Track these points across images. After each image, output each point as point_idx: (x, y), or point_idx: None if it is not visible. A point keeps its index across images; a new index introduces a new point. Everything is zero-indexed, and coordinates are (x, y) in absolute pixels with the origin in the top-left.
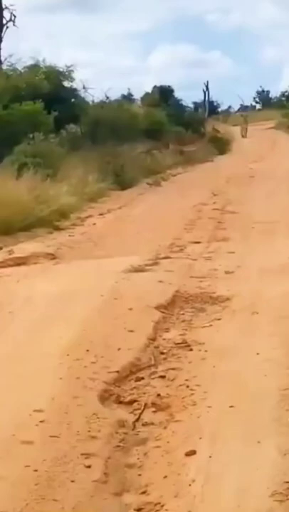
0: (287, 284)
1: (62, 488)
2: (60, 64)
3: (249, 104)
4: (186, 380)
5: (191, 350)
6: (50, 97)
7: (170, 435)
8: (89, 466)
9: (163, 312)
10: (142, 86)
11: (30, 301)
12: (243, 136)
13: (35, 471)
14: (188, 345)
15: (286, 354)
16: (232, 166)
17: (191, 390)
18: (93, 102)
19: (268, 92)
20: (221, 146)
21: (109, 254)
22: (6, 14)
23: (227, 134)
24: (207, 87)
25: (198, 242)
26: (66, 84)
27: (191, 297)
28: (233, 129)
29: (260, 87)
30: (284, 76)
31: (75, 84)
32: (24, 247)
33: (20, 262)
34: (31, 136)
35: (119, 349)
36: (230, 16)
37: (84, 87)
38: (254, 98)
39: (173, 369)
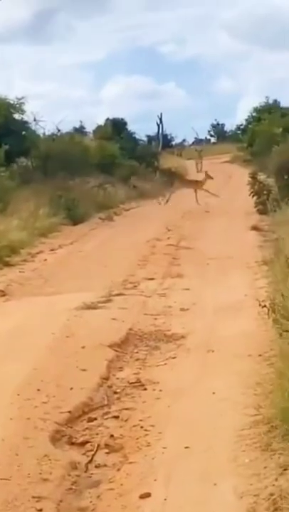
0: (243, 321)
1: None
2: (11, 96)
3: (204, 138)
4: (140, 420)
5: (145, 389)
6: (0, 130)
7: (124, 477)
8: (40, 510)
9: (116, 350)
10: (94, 118)
11: None
12: (198, 171)
13: None
14: (143, 385)
15: (242, 393)
16: (187, 200)
17: (146, 430)
18: (44, 134)
19: (223, 125)
20: (175, 180)
21: (61, 291)
22: None
23: (181, 168)
24: (161, 119)
25: (153, 279)
26: (17, 116)
27: (146, 335)
28: (188, 162)
29: (215, 120)
30: (239, 109)
31: (25, 117)
32: None
33: None
34: None
35: (71, 388)
36: (185, 46)
37: (35, 120)
38: (209, 131)
39: (127, 409)
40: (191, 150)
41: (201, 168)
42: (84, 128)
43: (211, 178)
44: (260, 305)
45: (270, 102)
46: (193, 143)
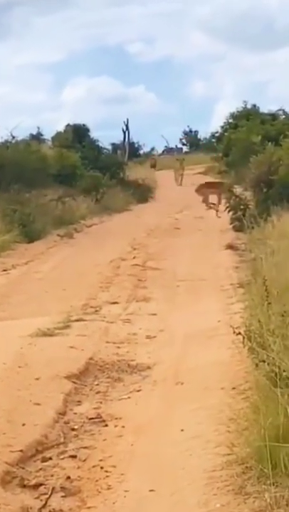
0: (215, 350)
1: None
2: None
3: (174, 146)
4: (100, 460)
5: (106, 425)
6: None
7: None
8: None
9: (75, 382)
10: (53, 124)
11: None
12: (179, 184)
13: None
14: (103, 421)
15: (214, 430)
16: (155, 216)
17: (106, 471)
18: None
19: (196, 132)
20: (142, 193)
21: (14, 316)
22: None
23: (150, 180)
24: (127, 126)
25: (116, 303)
26: None
27: (107, 365)
28: (159, 174)
29: (188, 126)
30: (214, 115)
31: None
32: None
33: None
34: None
35: (23, 425)
36: (154, 46)
37: None
38: (180, 139)
39: (85, 448)
40: (162, 160)
41: (181, 180)
42: (42, 135)
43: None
44: (234, 332)
45: (249, 106)
46: (163, 152)
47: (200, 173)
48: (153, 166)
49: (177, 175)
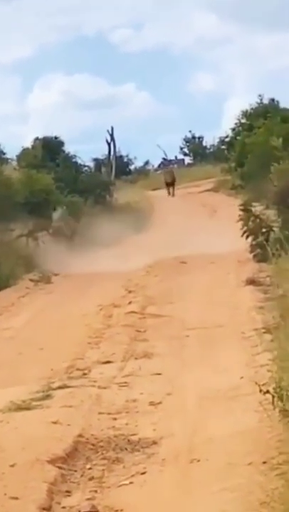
0: (239, 415)
1: None
2: None
3: (174, 157)
4: None
5: None
6: None
7: None
8: None
9: (61, 468)
10: (18, 139)
11: None
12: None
13: None
14: None
15: None
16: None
17: None
18: None
19: (201, 138)
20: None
21: None
22: None
23: (145, 203)
24: (112, 136)
25: (109, 362)
26: None
27: (102, 443)
28: (154, 194)
29: (190, 132)
30: (223, 115)
31: None
32: None
33: None
34: None
35: None
36: (144, 32)
37: None
38: (181, 148)
39: None
40: (160, 176)
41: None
42: (3, 153)
43: None
44: (261, 391)
45: (266, 102)
46: (159, 165)
47: (209, 190)
48: (170, 184)
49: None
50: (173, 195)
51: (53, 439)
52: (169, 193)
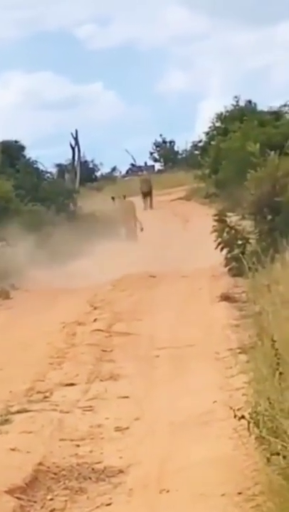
0: (212, 442)
1: None
2: None
3: (143, 163)
4: None
5: None
6: None
7: None
8: None
9: (19, 498)
10: None
11: None
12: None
13: None
14: None
15: None
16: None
17: None
18: None
19: (173, 143)
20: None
21: None
22: None
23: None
24: (76, 139)
25: (72, 384)
26: None
27: (64, 472)
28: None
29: (161, 135)
30: (196, 117)
31: None
32: None
33: None
34: None
35: None
36: (111, 28)
37: None
38: (151, 153)
39: None
40: (127, 183)
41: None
42: None
43: None
44: (236, 416)
45: (242, 104)
46: (127, 172)
47: (181, 198)
48: (147, 194)
49: (145, 197)
50: (151, 207)
51: (11, 467)
52: (145, 206)
